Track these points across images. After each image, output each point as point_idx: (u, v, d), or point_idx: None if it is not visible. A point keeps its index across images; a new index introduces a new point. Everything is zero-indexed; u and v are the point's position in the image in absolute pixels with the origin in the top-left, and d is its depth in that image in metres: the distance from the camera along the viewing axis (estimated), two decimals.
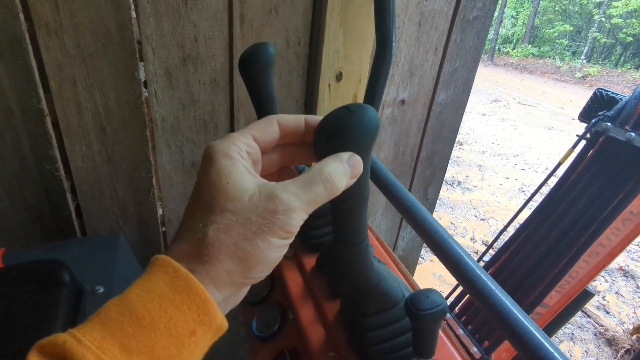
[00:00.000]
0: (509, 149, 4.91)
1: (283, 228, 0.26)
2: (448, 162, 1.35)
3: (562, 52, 15.41)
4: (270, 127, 0.31)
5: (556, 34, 15.78)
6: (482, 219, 3.19)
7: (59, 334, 0.21)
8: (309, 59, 0.97)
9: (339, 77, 0.96)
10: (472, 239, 2.89)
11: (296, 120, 0.32)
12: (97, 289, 0.64)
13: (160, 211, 1.05)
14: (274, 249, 0.26)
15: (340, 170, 0.27)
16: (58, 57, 0.77)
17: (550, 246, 0.93)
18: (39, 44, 0.74)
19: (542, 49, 15.89)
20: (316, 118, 0.31)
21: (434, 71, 1.12)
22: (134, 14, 0.79)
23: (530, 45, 16.13)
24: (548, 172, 4.15)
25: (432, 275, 2.38)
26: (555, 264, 0.91)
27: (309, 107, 1.02)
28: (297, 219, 0.26)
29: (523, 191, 3.77)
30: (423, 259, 2.55)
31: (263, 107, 0.51)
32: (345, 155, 0.27)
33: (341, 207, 0.33)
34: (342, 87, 0.98)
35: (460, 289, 1.53)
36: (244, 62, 0.46)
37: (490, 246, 1.47)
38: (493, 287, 0.40)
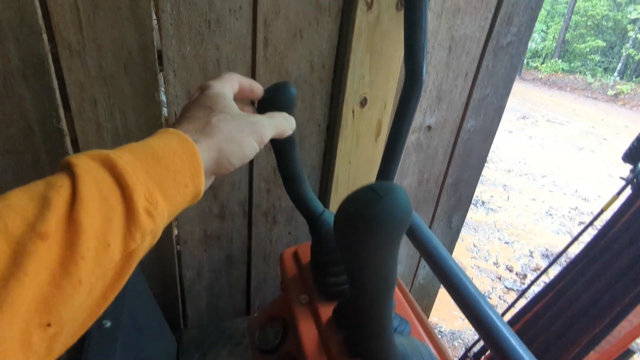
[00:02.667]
0: (536, 169, 4.75)
1: (259, 135, 0.38)
2: (474, 190, 1.29)
3: (593, 68, 14.94)
4: (235, 82, 0.43)
5: (588, 49, 15.33)
6: (507, 242, 3.06)
7: (98, 152, 0.28)
8: (333, 83, 0.94)
9: (363, 102, 0.93)
10: (495, 263, 2.78)
11: (247, 82, 0.45)
12: (104, 323, 0.61)
13: (175, 231, 1.03)
14: (249, 146, 0.37)
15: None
16: (80, 78, 0.76)
17: (590, 303, 0.85)
18: (62, 65, 0.74)
19: (572, 64, 15.45)
20: (258, 87, 0.46)
21: (463, 97, 1.07)
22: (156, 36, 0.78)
23: (560, 60, 15.71)
24: (578, 195, 3.98)
25: (452, 302, 2.29)
26: (595, 323, 0.83)
27: (332, 131, 0.99)
28: (266, 134, 0.39)
29: (551, 214, 3.61)
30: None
31: (281, 148, 0.48)
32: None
33: (364, 295, 0.29)
34: (366, 113, 0.94)
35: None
36: (263, 104, 0.44)
37: (521, 294, 1.37)
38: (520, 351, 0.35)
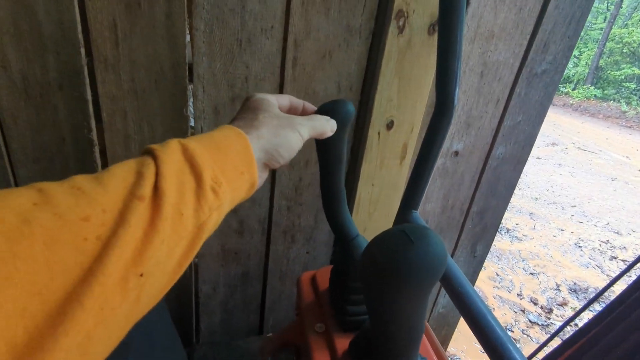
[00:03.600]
0: (565, 198, 4.57)
1: (298, 131, 0.42)
2: (501, 220, 1.24)
3: (628, 96, 14.46)
4: (285, 100, 0.48)
5: (623, 76, 14.89)
6: (532, 273, 2.94)
7: (172, 140, 0.34)
8: (360, 104, 0.93)
9: (389, 125, 0.91)
10: (519, 295, 2.66)
11: (299, 102, 0.50)
12: None
13: None
14: (293, 138, 0.41)
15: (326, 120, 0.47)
16: (113, 91, 0.78)
17: (630, 353, 0.79)
18: (96, 78, 0.76)
19: (606, 91, 15.01)
20: (311, 107, 0.50)
21: (493, 124, 1.04)
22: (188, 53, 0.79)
23: (592, 87, 15.31)
24: (609, 228, 3.80)
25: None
26: None
27: (356, 153, 0.98)
28: (304, 131, 0.43)
29: (580, 246, 3.45)
30: None
31: (328, 165, 0.48)
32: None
33: (389, 345, 0.26)
34: (392, 136, 0.93)
35: None
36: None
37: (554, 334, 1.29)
38: None
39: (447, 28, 0.52)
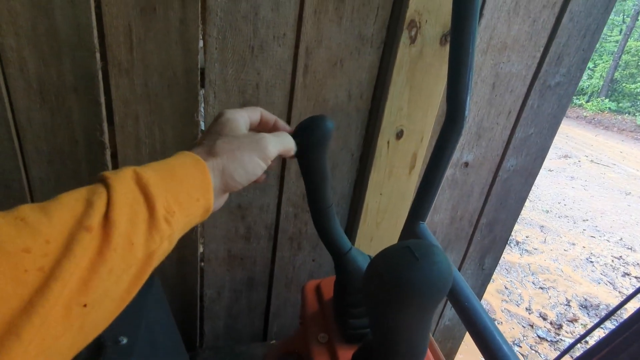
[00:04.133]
0: (577, 212, 4.50)
1: (263, 151, 0.40)
2: (511, 233, 1.22)
3: None
4: (256, 114, 0.47)
5: (638, 89, 14.66)
6: (541, 288, 2.88)
7: (127, 168, 0.33)
8: (370, 113, 0.93)
9: (399, 134, 0.91)
10: (528, 309, 2.61)
11: (271, 117, 0.48)
12: (120, 340, 0.61)
13: (200, 249, 1.04)
14: (251, 163, 0.40)
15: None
16: (126, 94, 0.79)
17: None
18: (110, 81, 0.77)
19: (620, 104, 14.78)
20: (283, 124, 0.49)
21: (504, 135, 1.03)
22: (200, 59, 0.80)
23: (607, 100, 15.09)
24: (622, 244, 3.72)
25: None
26: None
27: (365, 161, 0.97)
28: (271, 149, 0.41)
29: (591, 261, 3.38)
30: None
31: (312, 183, 0.47)
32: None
33: None
34: (401, 145, 0.92)
35: None
36: (297, 135, 0.43)
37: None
38: None
39: (459, 39, 0.52)
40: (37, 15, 0.68)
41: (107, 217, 0.29)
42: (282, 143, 0.43)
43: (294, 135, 0.46)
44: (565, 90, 0.98)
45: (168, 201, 0.33)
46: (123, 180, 0.32)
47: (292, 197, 1.01)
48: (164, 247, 0.33)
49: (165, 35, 0.75)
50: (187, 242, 0.99)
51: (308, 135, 0.44)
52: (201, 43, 0.80)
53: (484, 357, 0.46)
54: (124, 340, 0.61)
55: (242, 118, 0.44)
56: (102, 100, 0.78)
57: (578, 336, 1.25)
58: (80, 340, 0.27)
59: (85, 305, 0.26)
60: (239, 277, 1.10)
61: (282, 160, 0.95)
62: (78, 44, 0.72)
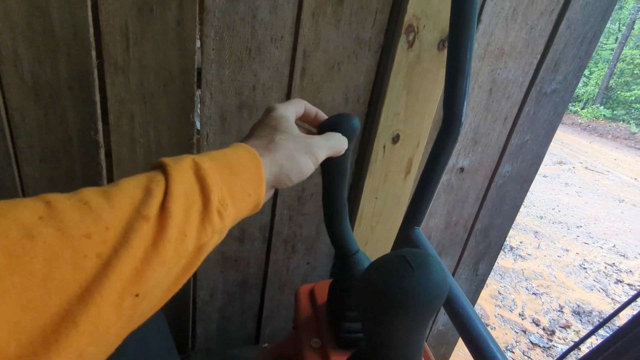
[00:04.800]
0: (571, 218, 4.52)
1: (315, 155, 0.41)
2: (505, 239, 1.22)
3: (638, 117, 14.36)
4: (300, 108, 0.47)
5: (633, 97, 14.80)
6: (535, 294, 2.89)
7: (186, 157, 0.33)
8: (366, 117, 0.93)
9: (395, 139, 0.91)
10: (521, 315, 2.62)
11: (312, 109, 0.49)
12: None
13: None
14: (306, 165, 0.41)
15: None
16: (121, 94, 0.78)
17: None
18: (106, 80, 0.77)
19: (615, 111, 14.92)
20: (323, 115, 0.50)
21: (500, 141, 1.04)
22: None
23: (602, 107, 15.23)
24: (615, 251, 3.74)
25: None
26: None
27: (360, 165, 0.97)
28: (321, 153, 0.42)
29: (585, 268, 3.40)
30: None
31: (331, 180, 0.47)
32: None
33: None
34: (397, 150, 0.92)
35: None
36: (325, 130, 0.44)
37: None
38: None
39: (457, 45, 0.52)
40: (33, 12, 0.67)
41: (164, 207, 0.28)
42: (332, 147, 0.44)
43: (322, 129, 0.47)
44: (561, 97, 0.98)
45: (222, 193, 0.33)
46: (182, 169, 0.31)
47: (287, 200, 1.00)
48: (214, 240, 0.33)
49: (162, 35, 0.74)
50: None
51: (335, 130, 0.45)
52: (198, 43, 0.79)
53: None
54: None
55: (292, 115, 0.45)
56: (97, 98, 0.77)
57: (571, 344, 1.25)
58: (128, 329, 0.27)
59: (137, 295, 0.26)
60: (232, 279, 1.10)
61: None
62: (74, 41, 0.72)
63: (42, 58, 0.72)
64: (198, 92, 0.83)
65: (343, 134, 0.46)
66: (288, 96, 0.87)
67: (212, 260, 1.04)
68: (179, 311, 1.10)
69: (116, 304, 0.24)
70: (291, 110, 0.45)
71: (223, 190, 0.33)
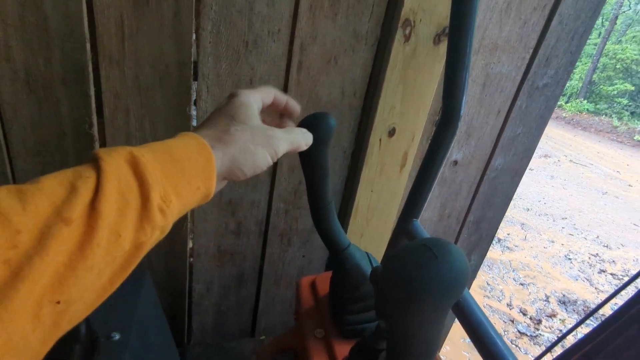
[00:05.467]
0: (556, 210, 4.62)
1: (273, 148, 0.39)
2: (497, 230, 1.25)
3: (620, 111, 14.68)
4: (269, 97, 0.45)
5: (615, 92, 15.12)
6: (522, 284, 2.96)
7: (122, 148, 0.30)
8: (362, 111, 0.93)
9: (391, 132, 0.92)
10: (509, 305, 2.68)
11: (283, 98, 0.47)
12: (112, 336, 0.60)
13: (190, 244, 1.03)
14: (262, 158, 0.38)
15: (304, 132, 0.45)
16: (116, 87, 0.77)
17: None
18: (101, 73, 0.75)
19: (598, 105, 15.23)
20: (294, 104, 0.48)
21: (493, 135, 1.05)
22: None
23: (585, 101, 15.52)
24: (599, 242, 3.84)
25: (461, 340, 2.21)
26: None
27: (356, 158, 0.98)
28: (281, 147, 0.40)
29: (570, 259, 3.49)
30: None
31: (313, 179, 0.47)
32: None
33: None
34: (393, 143, 0.93)
35: None
36: None
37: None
38: None
39: (457, 39, 0.53)
40: (25, 3, 0.66)
41: (93, 205, 0.26)
42: (292, 142, 0.42)
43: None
44: (552, 91, 1.00)
45: (165, 190, 0.30)
46: (116, 162, 0.28)
47: (283, 193, 1.01)
48: (155, 237, 0.30)
49: (158, 27, 0.74)
50: (176, 237, 0.97)
51: (312, 132, 0.44)
52: (194, 37, 0.79)
53: (479, 352, 0.47)
54: (117, 336, 0.60)
55: (256, 103, 0.42)
56: (92, 92, 0.76)
57: (556, 332, 1.29)
58: (55, 334, 0.25)
59: (59, 302, 0.24)
60: (229, 272, 1.10)
61: None
62: (68, 34, 0.70)
63: (35, 51, 0.70)
64: (194, 86, 0.82)
65: (319, 134, 0.45)
66: (285, 90, 0.87)
67: (209, 254, 1.04)
68: (175, 305, 1.10)
69: (32, 312, 0.22)
70: (256, 97, 0.42)
71: (166, 186, 0.30)
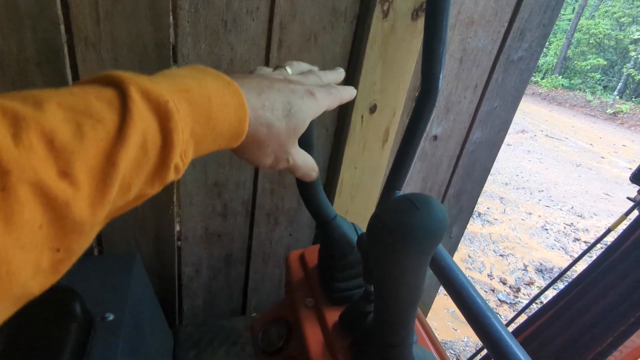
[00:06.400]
0: (533, 183, 4.77)
1: (317, 99, 0.38)
2: (476, 202, 1.29)
3: (593, 86, 15.07)
4: None
5: (589, 67, 15.47)
6: (502, 255, 3.08)
7: (161, 92, 0.25)
8: None
9: (372, 109, 0.93)
10: (490, 275, 2.79)
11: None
12: (106, 316, 0.61)
13: (177, 227, 1.03)
14: (309, 107, 0.36)
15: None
16: (94, 70, 0.76)
17: (594, 320, 0.85)
18: (77, 56, 0.74)
19: (572, 81, 15.57)
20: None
21: (471, 109, 1.08)
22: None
23: (560, 77, 15.84)
24: (574, 212, 4.00)
25: (445, 311, 2.29)
26: (597, 342, 0.84)
27: (339, 136, 0.99)
28: (325, 99, 0.39)
29: (546, 229, 3.63)
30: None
31: None
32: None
33: (393, 305, 0.29)
34: (375, 120, 0.95)
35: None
36: None
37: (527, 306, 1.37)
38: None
39: (434, 12, 0.54)
40: None
41: (110, 159, 0.22)
42: (332, 92, 0.40)
43: None
44: (527, 65, 1.03)
45: (187, 147, 0.27)
46: (145, 115, 0.24)
47: (268, 173, 1.02)
48: (160, 188, 0.27)
49: (133, 8, 0.72)
50: (163, 221, 0.98)
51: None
52: (172, 17, 0.77)
53: (463, 313, 0.50)
54: (111, 317, 0.61)
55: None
56: (69, 75, 0.75)
57: (532, 297, 1.37)
58: (53, 280, 0.23)
59: (58, 250, 0.21)
60: (217, 254, 1.11)
61: None
62: (39, 15, 0.68)
63: (5, 34, 0.68)
64: (175, 67, 0.81)
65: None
66: None
67: (196, 236, 1.05)
68: (164, 288, 1.11)
69: (34, 261, 0.20)
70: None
71: (189, 143, 0.27)
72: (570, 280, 1.18)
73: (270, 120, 0.34)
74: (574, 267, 1.29)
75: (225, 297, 1.21)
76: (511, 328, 1.36)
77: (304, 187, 0.50)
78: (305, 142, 0.48)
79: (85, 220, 0.22)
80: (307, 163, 0.41)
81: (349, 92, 0.43)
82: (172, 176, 0.27)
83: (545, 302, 1.17)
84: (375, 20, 0.82)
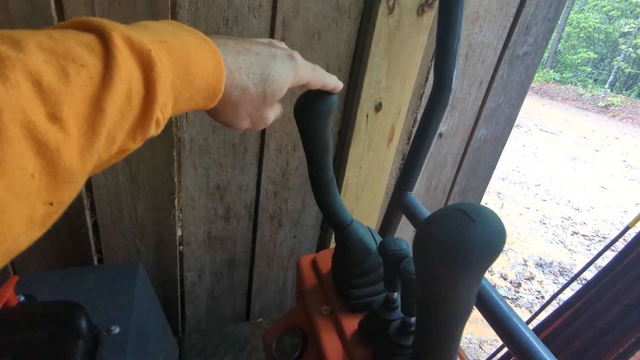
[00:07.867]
0: (530, 178, 4.78)
1: (297, 66, 0.37)
2: (481, 200, 1.28)
3: (584, 79, 15.19)
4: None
5: (579, 60, 15.58)
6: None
7: (145, 41, 0.25)
8: (348, 87, 0.92)
9: (378, 107, 0.91)
10: (490, 271, 2.78)
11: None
12: (112, 329, 0.59)
13: (179, 232, 1.01)
14: (285, 72, 0.36)
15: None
16: None
17: (614, 321, 0.84)
18: None
19: (564, 74, 15.68)
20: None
21: (476, 105, 1.06)
22: None
23: (552, 70, 15.95)
24: (571, 205, 4.01)
25: None
26: (617, 343, 0.82)
27: (344, 136, 0.97)
28: (305, 70, 0.38)
29: (544, 223, 3.64)
30: None
31: (315, 156, 0.46)
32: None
33: (439, 324, 0.26)
34: (380, 118, 0.93)
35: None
36: (300, 108, 0.42)
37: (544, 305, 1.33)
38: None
39: (448, 6, 0.52)
40: None
41: (98, 105, 0.22)
42: (316, 69, 0.39)
43: (298, 105, 0.44)
44: (532, 59, 1.02)
45: (167, 101, 0.27)
46: (130, 63, 0.24)
47: (271, 175, 0.99)
48: (139, 144, 0.27)
49: (131, 6, 0.69)
50: (164, 226, 0.95)
51: (313, 105, 0.42)
52: (171, 15, 0.75)
53: (481, 312, 0.49)
54: (117, 330, 0.58)
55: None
56: None
57: (535, 294, 1.34)
58: (40, 234, 0.22)
59: (51, 204, 0.21)
60: (220, 258, 1.09)
61: (260, 138, 0.93)
62: (32, 16, 0.65)
63: None
64: None
65: (320, 107, 0.43)
66: None
67: (199, 241, 1.02)
68: (167, 295, 1.08)
69: (28, 215, 0.20)
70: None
71: (169, 97, 0.27)
72: (587, 279, 1.16)
73: (245, 84, 0.33)
74: (573, 268, 1.27)
75: (228, 302, 1.19)
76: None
77: (320, 192, 0.48)
78: (321, 141, 0.46)
79: (76, 169, 0.21)
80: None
81: (333, 79, 0.42)
82: (152, 130, 0.26)
83: (561, 301, 1.15)
84: (380, 16, 0.80)
